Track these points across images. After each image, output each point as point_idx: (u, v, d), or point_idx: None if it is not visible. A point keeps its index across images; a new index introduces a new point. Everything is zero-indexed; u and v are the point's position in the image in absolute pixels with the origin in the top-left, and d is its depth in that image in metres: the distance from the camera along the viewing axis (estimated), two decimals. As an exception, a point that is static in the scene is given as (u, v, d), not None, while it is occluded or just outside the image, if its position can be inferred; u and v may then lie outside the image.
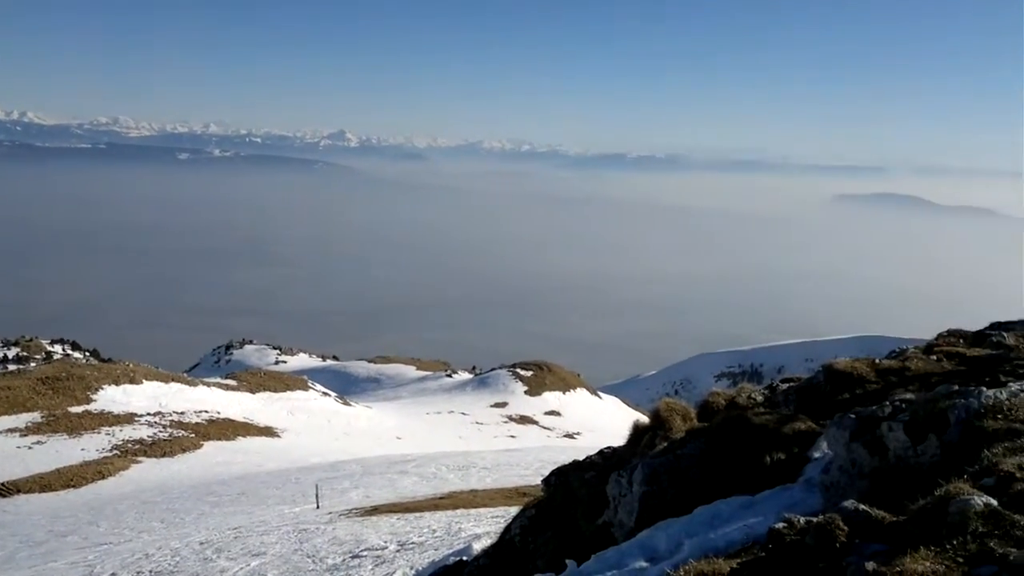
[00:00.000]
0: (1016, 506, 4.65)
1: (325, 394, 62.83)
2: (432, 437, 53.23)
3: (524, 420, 64.33)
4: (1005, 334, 10.24)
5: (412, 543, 17.43)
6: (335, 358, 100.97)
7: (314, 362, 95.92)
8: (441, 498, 24.77)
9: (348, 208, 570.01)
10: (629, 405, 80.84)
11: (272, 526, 22.23)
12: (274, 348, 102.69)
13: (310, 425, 53.49)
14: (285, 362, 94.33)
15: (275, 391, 59.29)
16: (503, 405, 68.55)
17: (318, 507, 25.36)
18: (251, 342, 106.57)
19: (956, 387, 6.76)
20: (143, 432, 44.67)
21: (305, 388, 62.29)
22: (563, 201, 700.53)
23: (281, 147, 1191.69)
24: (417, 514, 21.41)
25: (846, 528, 4.90)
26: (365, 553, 17.13)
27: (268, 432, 49.39)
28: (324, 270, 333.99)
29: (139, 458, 40.73)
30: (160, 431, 45.32)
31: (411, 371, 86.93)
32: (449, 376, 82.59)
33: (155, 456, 41.34)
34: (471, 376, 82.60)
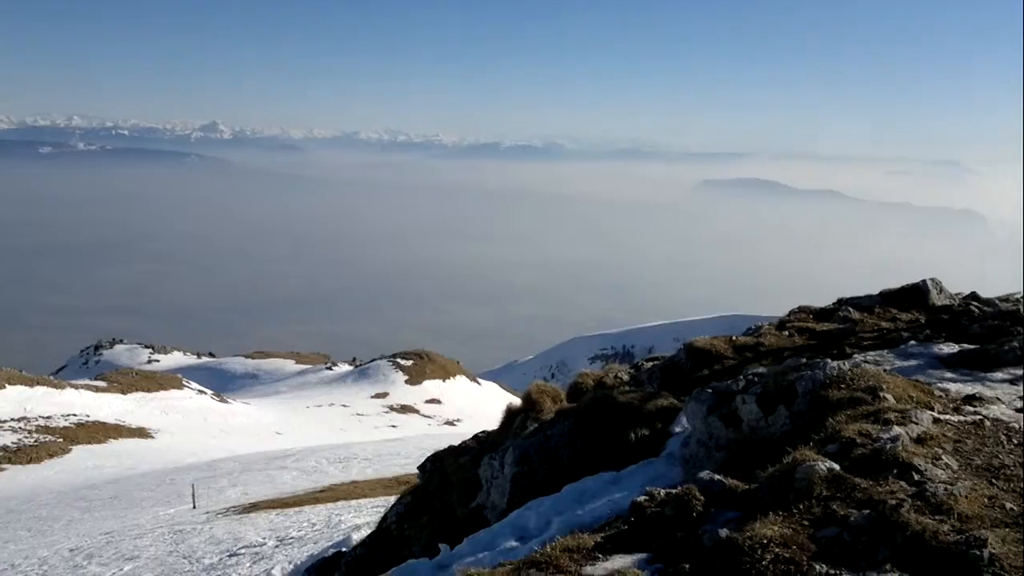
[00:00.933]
0: (857, 470, 4.84)
1: (201, 392, 60.87)
2: (312, 430, 52.29)
3: (405, 409, 63.95)
4: (851, 309, 10.73)
5: (291, 538, 17.08)
6: (211, 355, 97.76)
7: (189, 360, 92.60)
8: (321, 491, 24.38)
9: (223, 201, 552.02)
10: (508, 390, 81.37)
11: (146, 529, 21.41)
12: (146, 347, 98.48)
13: (185, 424, 51.73)
14: (158, 361, 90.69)
15: (148, 391, 57.05)
16: (384, 395, 67.95)
17: (194, 507, 24.60)
18: (122, 341, 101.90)
19: (804, 360, 7.03)
20: (7, 438, 42.27)
21: (180, 387, 60.17)
22: (440, 190, 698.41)
23: (150, 139, 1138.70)
24: (297, 509, 21.01)
25: (703, 498, 5.01)
26: (243, 551, 16.68)
27: (141, 433, 47.51)
28: (199, 265, 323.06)
29: (3, 466, 38.60)
30: (25, 437, 42.96)
31: (290, 365, 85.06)
32: (329, 369, 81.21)
33: (21, 463, 39.22)
34: (351, 368, 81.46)
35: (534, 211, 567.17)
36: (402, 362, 76.10)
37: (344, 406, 63.25)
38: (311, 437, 47.52)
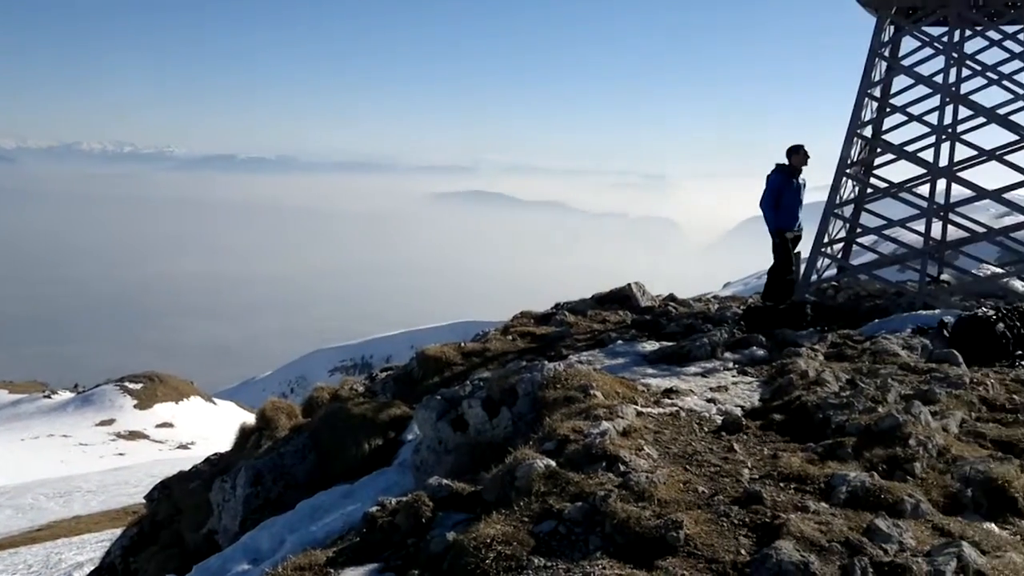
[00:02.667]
0: (571, 465, 5.06)
1: None
2: (28, 465, 47.26)
3: (134, 436, 59.48)
4: (567, 313, 11.30)
5: (3, 584, 15.38)
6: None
7: None
8: (39, 530, 22.18)
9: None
10: (245, 409, 78.10)
11: None
12: None
13: None
14: None
15: None
16: (110, 422, 62.79)
17: None
18: None
19: (524, 363, 7.29)
20: None
21: None
22: (171, 203, 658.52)
23: None
24: (11, 551, 18.98)
25: (431, 504, 5.03)
26: (-56, 604, 14.79)
27: None
28: None
29: None
30: None
31: (1, 395, 76.66)
32: (47, 397, 73.86)
33: None
34: (73, 395, 74.67)
35: (268, 224, 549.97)
36: (130, 386, 70.76)
37: (65, 436, 57.76)
38: (27, 472, 42.93)
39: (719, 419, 6.09)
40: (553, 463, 5.02)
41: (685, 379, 7.45)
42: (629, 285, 12.38)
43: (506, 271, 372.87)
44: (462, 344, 10.51)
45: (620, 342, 9.24)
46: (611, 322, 10.69)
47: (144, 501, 11.57)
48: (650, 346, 8.88)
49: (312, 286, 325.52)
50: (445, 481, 5.34)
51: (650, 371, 7.81)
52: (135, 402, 67.52)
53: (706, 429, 5.90)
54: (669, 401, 6.58)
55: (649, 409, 6.24)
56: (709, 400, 6.72)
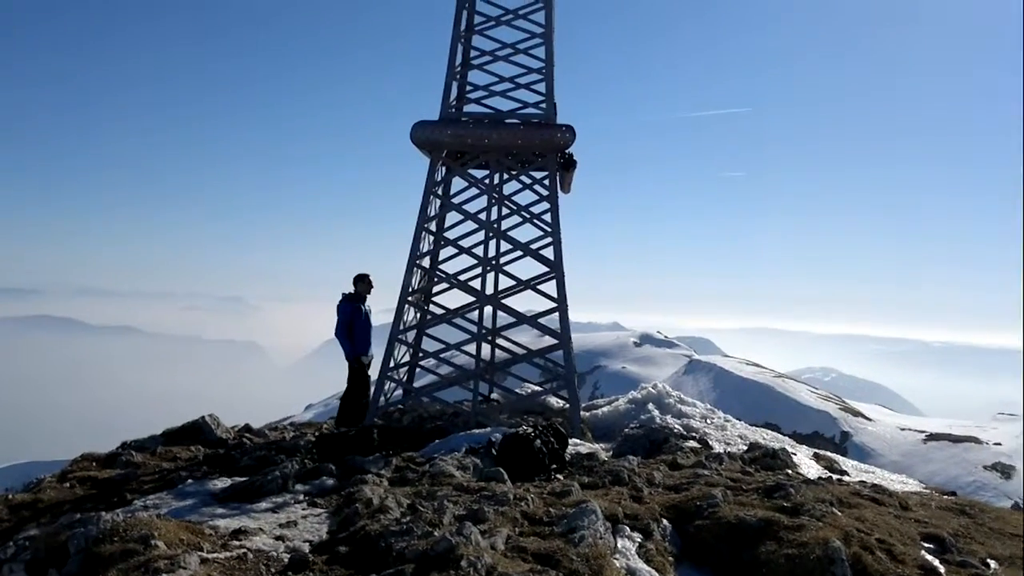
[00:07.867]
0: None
1: None
2: None
3: None
4: (134, 452, 10.33)
5: None
6: None
7: None
8: None
9: None
10: None
11: None
12: None
13: None
14: None
15: None
16: None
17: None
18: None
19: (79, 515, 6.49)
20: None
21: None
22: None
23: None
24: None
25: None
26: None
27: None
28: None
29: None
30: None
31: None
32: None
33: None
34: None
35: None
36: None
37: None
38: None
39: (286, 557, 5.86)
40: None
41: (255, 517, 7.12)
42: (203, 418, 11.76)
43: (75, 404, 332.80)
44: (10, 496, 9.06)
45: (191, 481, 8.62)
46: (182, 459, 9.96)
47: None
48: (222, 483, 8.40)
49: None
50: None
51: (220, 511, 7.35)
52: None
53: (273, 570, 5.63)
54: (237, 543, 6.21)
55: (216, 554, 5.84)
56: (278, 538, 6.46)
